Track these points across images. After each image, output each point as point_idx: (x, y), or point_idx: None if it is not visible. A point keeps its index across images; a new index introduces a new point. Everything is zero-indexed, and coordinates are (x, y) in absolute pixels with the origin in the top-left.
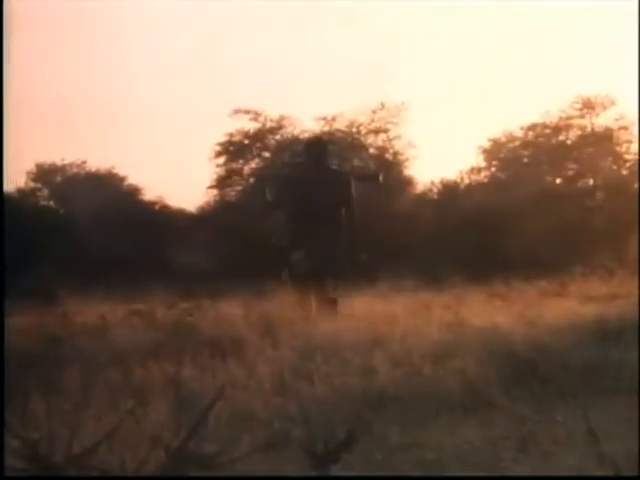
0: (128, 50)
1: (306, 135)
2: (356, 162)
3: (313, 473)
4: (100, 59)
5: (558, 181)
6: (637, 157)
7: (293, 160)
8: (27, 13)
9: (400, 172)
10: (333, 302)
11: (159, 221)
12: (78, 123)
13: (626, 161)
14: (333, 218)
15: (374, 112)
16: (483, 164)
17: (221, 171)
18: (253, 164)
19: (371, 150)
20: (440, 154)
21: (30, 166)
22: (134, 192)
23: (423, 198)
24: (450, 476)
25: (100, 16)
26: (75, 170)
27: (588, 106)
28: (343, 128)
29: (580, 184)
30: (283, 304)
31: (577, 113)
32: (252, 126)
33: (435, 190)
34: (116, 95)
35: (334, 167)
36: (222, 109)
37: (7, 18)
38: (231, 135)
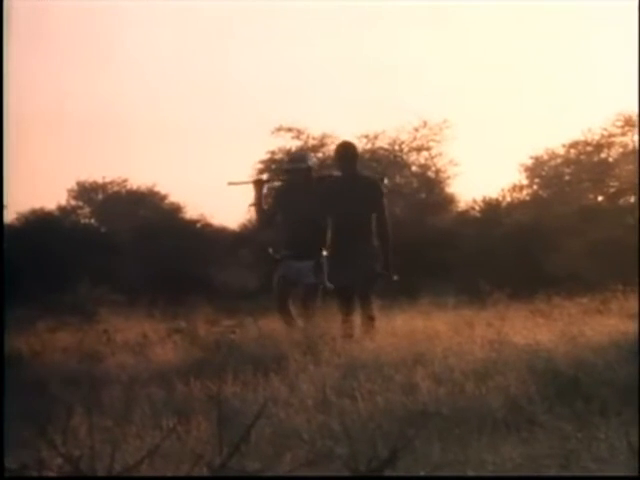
0: (170, 68)
1: None
2: (398, 180)
3: None
4: (141, 77)
5: (600, 199)
6: None
7: (293, 166)
8: (61, 28)
9: (442, 190)
10: (371, 319)
11: (201, 239)
12: (119, 141)
13: None
14: (363, 226)
15: (416, 130)
16: (525, 182)
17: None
18: None
19: (413, 168)
20: (482, 172)
21: (71, 184)
22: (175, 210)
23: (465, 216)
24: (451, 476)
25: (139, 34)
26: (116, 188)
27: (630, 123)
28: (385, 146)
29: (622, 202)
30: (325, 321)
31: (619, 130)
32: (294, 144)
33: (477, 208)
34: (157, 112)
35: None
36: (264, 127)
37: (29, 31)
38: (273, 153)
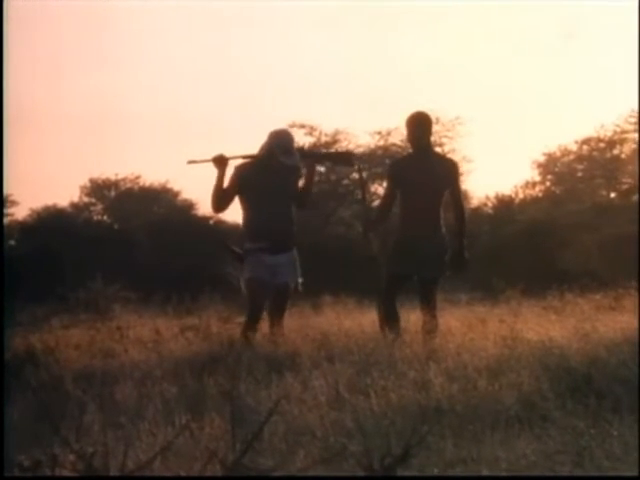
0: (184, 68)
1: (361, 150)
2: None
3: None
4: (155, 77)
5: (612, 195)
6: None
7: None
8: (79, 30)
9: None
10: (434, 317)
11: (214, 236)
12: (132, 138)
13: None
14: (435, 208)
15: None
16: (538, 178)
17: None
18: None
19: None
20: (495, 168)
21: (84, 181)
22: (188, 207)
23: (478, 212)
24: (452, 476)
25: (159, 36)
26: (129, 185)
27: None
28: (398, 142)
29: (634, 198)
30: (339, 318)
31: (632, 127)
32: (307, 140)
33: (490, 204)
34: (169, 109)
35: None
36: (277, 123)
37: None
38: None
